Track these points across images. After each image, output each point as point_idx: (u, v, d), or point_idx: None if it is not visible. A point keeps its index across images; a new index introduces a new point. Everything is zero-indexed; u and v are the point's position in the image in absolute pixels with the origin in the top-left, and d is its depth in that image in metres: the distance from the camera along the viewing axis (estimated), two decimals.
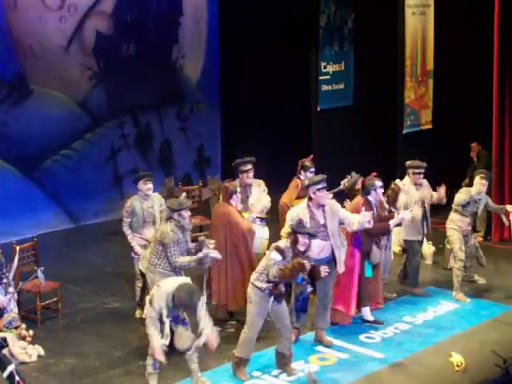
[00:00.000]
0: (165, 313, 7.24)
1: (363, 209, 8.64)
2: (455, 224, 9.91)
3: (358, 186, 9.52)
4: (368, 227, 8.55)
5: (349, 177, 10.09)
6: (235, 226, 8.76)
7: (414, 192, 9.91)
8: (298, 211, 8.29)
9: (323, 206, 8.34)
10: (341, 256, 8.44)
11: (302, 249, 7.67)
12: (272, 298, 7.72)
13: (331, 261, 8.39)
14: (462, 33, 13.55)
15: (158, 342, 7.23)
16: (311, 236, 7.78)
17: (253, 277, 7.82)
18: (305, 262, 7.56)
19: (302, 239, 7.65)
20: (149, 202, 9.33)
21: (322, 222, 8.31)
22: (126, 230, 9.32)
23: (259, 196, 9.66)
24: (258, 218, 9.39)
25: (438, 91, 13.90)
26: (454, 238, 9.93)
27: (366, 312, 9.18)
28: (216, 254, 8.41)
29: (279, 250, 7.63)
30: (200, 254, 8.28)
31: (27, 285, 9.28)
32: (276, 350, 7.99)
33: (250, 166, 9.64)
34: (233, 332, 8.81)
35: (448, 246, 10.76)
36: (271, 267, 7.58)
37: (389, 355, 8.44)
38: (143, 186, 9.31)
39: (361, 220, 8.44)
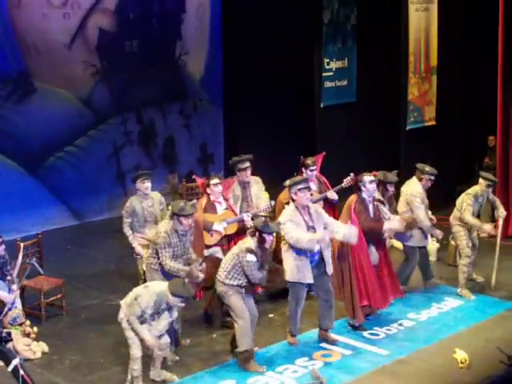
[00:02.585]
0: (149, 312, 7.38)
1: (349, 222, 8.50)
2: (462, 221, 9.91)
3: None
4: (353, 243, 8.45)
5: (352, 175, 10.07)
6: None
7: (426, 199, 9.87)
8: (290, 216, 8.22)
9: (308, 207, 8.31)
10: (329, 257, 8.41)
11: (267, 246, 7.80)
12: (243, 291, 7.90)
13: (321, 261, 8.34)
14: (465, 29, 13.53)
15: (149, 334, 7.38)
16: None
17: (221, 275, 7.89)
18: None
19: (268, 238, 7.76)
20: (148, 201, 9.32)
21: (310, 223, 8.27)
22: (127, 231, 9.34)
23: (258, 193, 9.65)
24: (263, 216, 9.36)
25: (442, 88, 13.88)
26: (460, 234, 9.94)
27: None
28: (218, 254, 8.56)
29: (253, 251, 7.74)
30: (205, 253, 8.34)
31: (31, 282, 9.30)
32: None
33: (247, 164, 9.61)
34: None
35: (452, 243, 10.75)
36: (252, 269, 7.72)
37: (393, 352, 8.44)
38: (141, 185, 9.29)
39: (347, 233, 8.32)
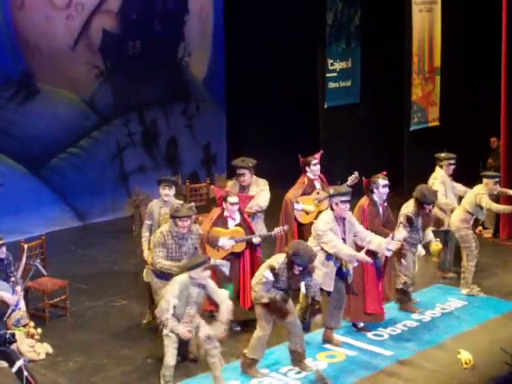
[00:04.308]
0: (176, 302, 7.32)
1: (391, 236, 8.48)
2: (468, 223, 9.95)
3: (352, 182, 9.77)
4: (387, 255, 8.53)
5: (356, 173, 10.09)
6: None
7: (450, 183, 10.20)
8: (330, 225, 8.21)
9: (344, 219, 8.32)
10: (351, 267, 8.44)
11: (297, 273, 7.64)
12: None
13: (343, 268, 8.40)
14: (469, 29, 13.53)
15: (183, 329, 7.34)
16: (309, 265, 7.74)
17: (253, 282, 7.86)
18: (288, 315, 7.59)
19: (297, 267, 7.61)
20: (167, 208, 8.95)
21: (342, 235, 8.31)
22: (143, 233, 9.18)
23: (256, 195, 9.63)
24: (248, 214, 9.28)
25: (446, 88, 13.88)
26: (469, 237, 9.95)
27: None
28: (225, 269, 8.54)
29: (273, 270, 7.64)
30: (211, 262, 8.28)
31: (35, 283, 9.29)
32: (288, 348, 8.01)
33: (242, 172, 9.59)
34: (240, 331, 8.81)
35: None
36: (260, 285, 7.64)
37: (397, 352, 8.43)
38: (161, 191, 9.08)
39: (382, 245, 8.35)
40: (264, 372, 7.98)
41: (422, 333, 8.92)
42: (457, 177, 10.59)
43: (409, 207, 9.17)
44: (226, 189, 9.54)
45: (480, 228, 12.08)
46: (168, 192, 9.06)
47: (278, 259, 7.73)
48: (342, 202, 8.21)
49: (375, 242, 8.37)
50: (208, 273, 7.51)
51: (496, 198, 10.46)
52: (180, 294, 7.36)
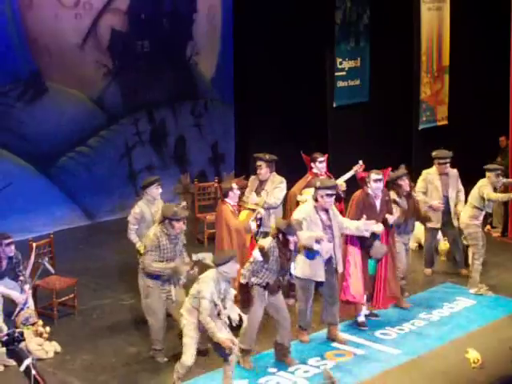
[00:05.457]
0: (216, 300, 7.19)
1: (365, 216, 8.57)
2: (478, 220, 9.95)
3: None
4: (366, 236, 8.55)
5: (360, 162, 10.17)
6: (226, 225, 8.82)
7: (437, 182, 10.17)
8: (306, 214, 8.25)
9: (327, 209, 8.36)
10: (340, 256, 8.48)
11: (292, 247, 7.73)
12: (266, 292, 7.82)
13: (331, 259, 8.40)
14: (477, 28, 13.49)
15: (224, 337, 7.15)
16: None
17: (242, 271, 7.89)
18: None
19: (291, 239, 7.69)
20: (155, 206, 9.06)
21: (327, 223, 8.34)
22: (134, 238, 9.13)
23: (270, 191, 9.65)
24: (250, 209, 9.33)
25: (454, 87, 13.85)
26: (478, 235, 9.97)
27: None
28: (208, 260, 8.46)
29: (262, 251, 7.69)
30: (194, 257, 8.20)
31: (43, 282, 9.32)
32: (275, 340, 8.04)
33: (259, 163, 9.65)
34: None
35: (465, 242, 10.70)
36: (249, 264, 7.77)
37: (405, 351, 8.42)
38: (155, 190, 9.10)
39: (361, 227, 8.44)
40: (252, 365, 7.98)
41: (430, 332, 8.92)
42: (465, 176, 10.57)
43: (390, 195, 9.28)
44: (248, 184, 9.73)
45: (488, 227, 12.06)
46: (161, 190, 9.14)
47: (267, 240, 7.82)
48: (327, 195, 8.28)
49: (352, 226, 8.48)
50: (238, 265, 7.47)
51: (505, 191, 10.48)
52: (215, 290, 7.19)
